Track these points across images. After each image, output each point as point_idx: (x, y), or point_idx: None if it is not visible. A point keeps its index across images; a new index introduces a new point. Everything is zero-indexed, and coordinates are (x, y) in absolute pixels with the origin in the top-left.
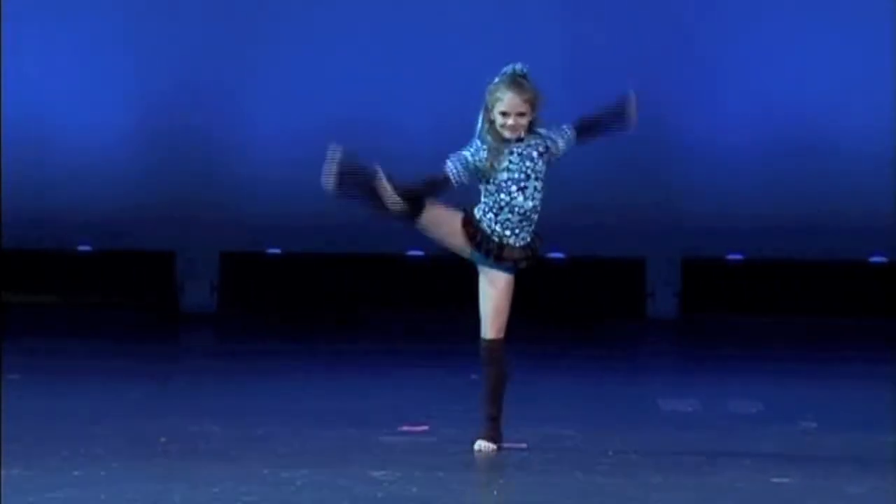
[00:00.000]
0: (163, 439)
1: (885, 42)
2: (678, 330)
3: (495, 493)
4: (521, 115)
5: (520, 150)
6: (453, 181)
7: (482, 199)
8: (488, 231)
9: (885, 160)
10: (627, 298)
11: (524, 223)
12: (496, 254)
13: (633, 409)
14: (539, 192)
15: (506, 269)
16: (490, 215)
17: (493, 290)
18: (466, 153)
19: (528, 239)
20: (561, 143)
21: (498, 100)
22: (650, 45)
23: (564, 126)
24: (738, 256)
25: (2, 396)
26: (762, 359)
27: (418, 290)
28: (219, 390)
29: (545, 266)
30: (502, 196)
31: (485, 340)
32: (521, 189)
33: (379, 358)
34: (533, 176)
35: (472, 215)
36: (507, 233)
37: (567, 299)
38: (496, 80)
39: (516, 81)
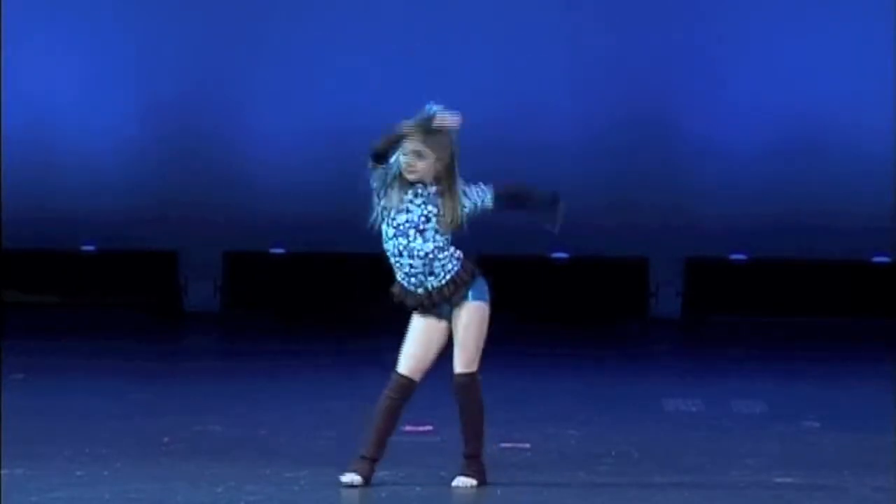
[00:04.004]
0: (166, 439)
1: (886, 43)
2: (681, 330)
3: (498, 492)
4: (419, 155)
5: (425, 195)
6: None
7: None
8: (411, 288)
9: (888, 160)
10: (630, 298)
11: (428, 266)
12: (426, 304)
13: (636, 409)
14: (440, 234)
15: (447, 311)
16: (396, 266)
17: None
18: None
19: (447, 277)
20: (468, 206)
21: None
22: (653, 47)
23: (484, 187)
24: (741, 256)
25: (4, 396)
26: (765, 359)
27: None
28: (221, 390)
29: (548, 266)
30: (400, 240)
31: (466, 375)
32: (420, 232)
33: (382, 357)
34: (434, 220)
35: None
36: (422, 279)
37: (570, 299)
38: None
39: (424, 123)
